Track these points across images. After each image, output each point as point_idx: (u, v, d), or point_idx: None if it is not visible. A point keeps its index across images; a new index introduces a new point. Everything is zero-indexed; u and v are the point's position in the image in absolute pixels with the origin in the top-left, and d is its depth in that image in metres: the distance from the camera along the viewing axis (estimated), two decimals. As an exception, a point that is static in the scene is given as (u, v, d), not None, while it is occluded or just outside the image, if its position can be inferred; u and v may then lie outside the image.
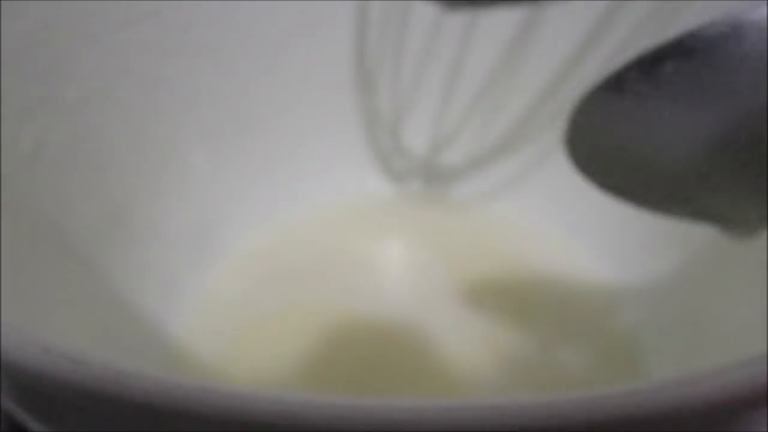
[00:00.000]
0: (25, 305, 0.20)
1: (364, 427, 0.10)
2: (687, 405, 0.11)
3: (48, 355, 0.11)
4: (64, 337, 0.22)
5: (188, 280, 0.31)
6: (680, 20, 0.27)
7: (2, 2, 0.22)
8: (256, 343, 0.30)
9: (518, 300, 0.31)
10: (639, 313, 0.30)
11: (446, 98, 0.34)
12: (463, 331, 0.30)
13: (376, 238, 0.34)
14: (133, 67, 0.27)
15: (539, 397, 0.10)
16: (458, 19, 0.32)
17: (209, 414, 0.10)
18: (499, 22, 0.31)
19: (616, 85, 0.14)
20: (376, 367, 0.28)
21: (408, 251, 0.34)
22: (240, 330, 0.30)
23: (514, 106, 0.33)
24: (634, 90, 0.14)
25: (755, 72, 0.13)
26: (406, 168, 0.36)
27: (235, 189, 0.33)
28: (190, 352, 0.29)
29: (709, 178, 0.14)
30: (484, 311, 0.31)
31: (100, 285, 0.26)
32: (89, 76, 0.26)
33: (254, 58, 0.31)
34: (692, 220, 0.15)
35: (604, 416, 0.10)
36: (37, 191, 0.23)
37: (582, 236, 0.33)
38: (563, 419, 0.10)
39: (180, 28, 0.29)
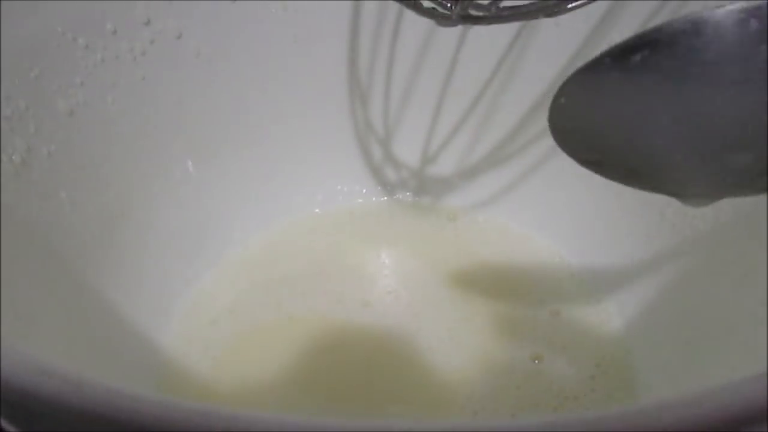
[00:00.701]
0: (17, 317, 0.20)
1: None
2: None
3: (51, 379, 0.11)
4: (56, 347, 0.22)
5: (180, 289, 0.32)
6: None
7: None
8: (247, 351, 0.30)
9: (509, 309, 0.31)
10: (630, 323, 0.30)
11: (436, 112, 0.35)
12: (453, 340, 0.30)
13: (367, 247, 0.34)
14: (124, 78, 0.28)
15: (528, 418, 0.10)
16: (448, 34, 0.32)
17: None
18: (489, 38, 0.32)
19: (593, 71, 0.16)
20: (365, 377, 0.28)
21: (398, 260, 0.34)
22: (232, 338, 0.30)
23: (503, 120, 0.34)
24: (609, 76, 0.16)
25: (710, 62, 0.14)
26: (398, 179, 0.36)
27: (227, 199, 0.33)
28: (182, 361, 0.29)
29: (671, 155, 0.16)
30: (474, 321, 0.31)
31: (92, 295, 0.26)
32: (79, 87, 0.26)
33: (247, 71, 0.32)
34: (655, 191, 0.17)
35: None
36: (27, 202, 0.23)
37: (570, 246, 0.33)
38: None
39: (171, 39, 0.29)
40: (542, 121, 0.32)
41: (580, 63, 0.30)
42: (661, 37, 0.15)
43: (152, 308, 0.30)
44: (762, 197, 0.24)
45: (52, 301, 0.23)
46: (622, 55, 0.15)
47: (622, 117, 0.16)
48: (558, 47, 0.31)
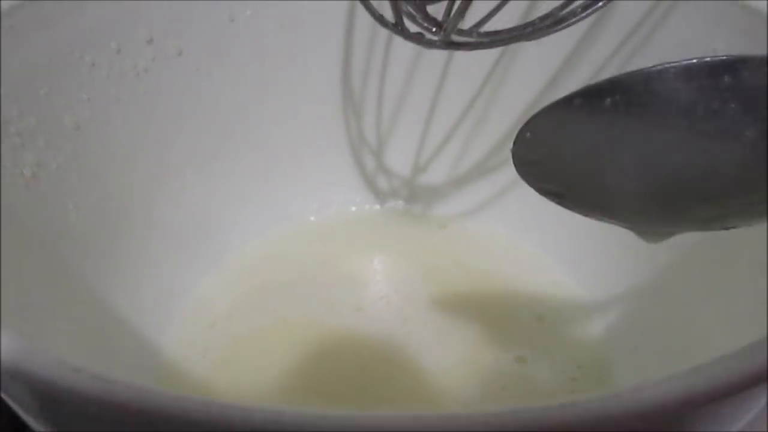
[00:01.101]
0: (24, 320, 0.21)
1: None
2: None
3: (78, 374, 0.12)
4: (61, 348, 0.23)
5: (180, 294, 0.33)
6: (638, 57, 0.29)
7: (3, 36, 0.23)
8: (244, 354, 0.31)
9: (495, 314, 0.32)
10: (611, 327, 0.31)
11: (427, 123, 0.36)
12: (441, 344, 0.31)
13: (360, 253, 0.36)
14: (127, 93, 0.29)
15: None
16: (438, 50, 0.33)
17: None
18: (477, 53, 0.33)
19: (561, 108, 0.17)
20: (357, 378, 0.30)
21: (390, 267, 0.35)
22: (230, 341, 0.31)
23: (491, 131, 0.35)
24: (576, 114, 0.17)
25: (675, 112, 0.15)
26: (390, 188, 0.38)
27: (225, 207, 0.35)
28: (181, 363, 0.30)
29: (630, 194, 0.17)
30: (462, 325, 0.32)
31: (95, 299, 0.28)
32: (86, 103, 0.27)
33: (244, 85, 0.33)
34: (614, 224, 0.18)
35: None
36: (36, 212, 0.25)
37: (556, 253, 0.34)
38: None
39: (172, 56, 0.30)
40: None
41: (563, 77, 0.32)
42: (632, 83, 0.16)
43: (153, 312, 0.31)
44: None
45: (58, 304, 0.25)
46: (592, 96, 0.16)
47: (585, 154, 0.17)
48: (542, 63, 0.32)
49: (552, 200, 0.18)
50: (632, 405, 0.12)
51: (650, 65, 0.16)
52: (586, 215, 0.18)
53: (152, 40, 0.29)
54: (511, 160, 0.34)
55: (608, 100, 0.16)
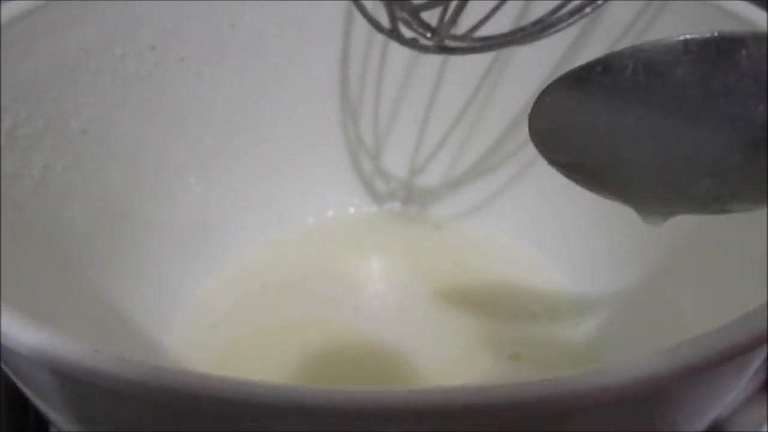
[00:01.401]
0: (34, 317, 0.22)
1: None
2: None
3: (98, 355, 0.13)
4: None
5: (182, 295, 0.33)
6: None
7: (12, 43, 0.24)
8: (244, 354, 0.31)
9: (490, 313, 0.33)
10: (604, 324, 0.32)
11: (423, 126, 0.37)
12: (438, 342, 0.32)
13: (358, 254, 0.36)
14: (131, 98, 0.30)
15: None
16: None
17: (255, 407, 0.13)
18: (472, 56, 0.34)
19: (580, 77, 0.17)
20: (355, 376, 0.30)
21: (387, 267, 0.36)
22: (230, 341, 0.32)
23: (486, 133, 0.36)
24: (594, 84, 0.17)
25: (684, 90, 0.16)
26: (387, 189, 0.39)
27: (226, 209, 0.35)
28: (183, 363, 0.31)
29: (636, 169, 0.17)
30: (458, 323, 0.33)
31: (99, 298, 0.28)
32: (91, 108, 0.28)
33: (244, 90, 0.34)
34: (618, 200, 0.18)
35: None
36: (44, 214, 0.26)
37: (549, 253, 0.35)
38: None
39: (175, 62, 0.31)
40: (523, 133, 0.34)
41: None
42: (654, 56, 0.16)
43: (154, 313, 0.31)
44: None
45: (63, 303, 0.25)
46: (611, 67, 0.17)
47: (598, 126, 0.17)
48: (535, 66, 0.33)
49: (561, 172, 0.18)
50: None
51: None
52: (593, 190, 0.18)
53: (155, 46, 0.30)
54: (506, 160, 0.36)
55: (629, 70, 0.16)
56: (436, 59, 0.35)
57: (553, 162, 0.18)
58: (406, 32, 0.23)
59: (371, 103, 0.36)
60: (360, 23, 0.33)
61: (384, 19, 0.23)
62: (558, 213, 0.34)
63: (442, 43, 0.21)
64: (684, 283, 0.28)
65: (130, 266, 0.31)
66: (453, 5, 0.19)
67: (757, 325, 0.14)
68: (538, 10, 0.25)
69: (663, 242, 0.30)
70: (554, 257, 0.35)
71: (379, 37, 0.34)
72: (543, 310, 0.33)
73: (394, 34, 0.22)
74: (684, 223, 0.29)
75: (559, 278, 0.34)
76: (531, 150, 0.36)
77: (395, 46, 0.34)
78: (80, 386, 0.14)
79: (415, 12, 0.21)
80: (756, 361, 0.16)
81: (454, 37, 0.22)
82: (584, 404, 0.13)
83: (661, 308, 0.29)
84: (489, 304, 0.33)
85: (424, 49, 0.22)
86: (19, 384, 0.18)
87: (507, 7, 0.27)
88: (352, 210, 0.39)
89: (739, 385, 0.17)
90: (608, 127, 0.17)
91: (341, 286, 0.34)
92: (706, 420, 0.18)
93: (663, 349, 0.13)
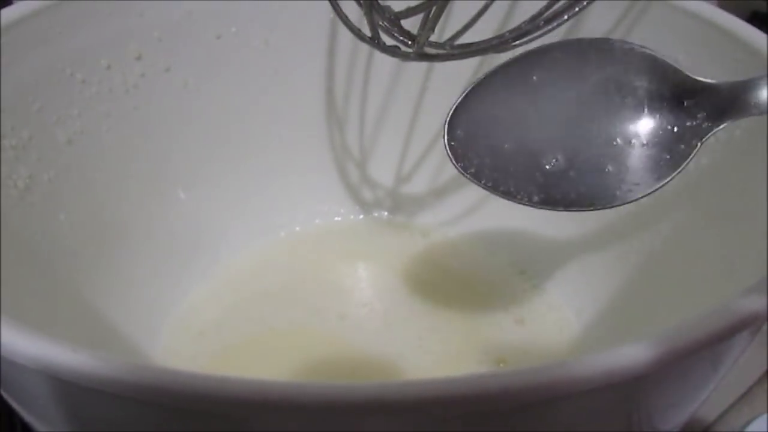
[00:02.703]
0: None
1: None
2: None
3: (77, 354, 0.13)
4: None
5: (170, 304, 0.34)
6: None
7: None
8: (232, 361, 0.32)
9: (476, 319, 0.33)
10: (587, 328, 0.32)
11: (408, 135, 0.37)
12: (424, 349, 0.32)
13: (345, 262, 0.37)
14: (117, 109, 0.30)
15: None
16: (417, 64, 0.34)
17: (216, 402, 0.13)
18: (455, 66, 0.34)
19: (485, 84, 0.19)
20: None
21: (374, 274, 0.36)
22: (218, 349, 0.32)
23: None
24: (495, 89, 0.19)
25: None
26: (373, 198, 0.39)
27: (214, 219, 0.36)
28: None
29: (522, 172, 0.19)
30: (443, 330, 0.33)
31: (87, 308, 0.29)
32: (77, 118, 0.28)
33: (231, 100, 0.34)
34: (554, 208, 0.19)
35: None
36: (29, 224, 0.26)
37: (534, 259, 0.36)
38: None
39: (161, 72, 0.31)
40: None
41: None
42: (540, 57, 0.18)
43: (142, 322, 0.32)
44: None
45: (49, 312, 0.25)
46: (506, 70, 0.19)
47: (511, 130, 0.19)
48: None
49: (474, 182, 0.20)
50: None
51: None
52: (497, 194, 0.19)
53: (141, 57, 0.30)
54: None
55: (527, 70, 0.18)
56: (420, 69, 0.35)
57: (465, 169, 0.20)
58: (388, 40, 0.23)
59: (357, 112, 0.37)
60: (345, 34, 0.33)
61: (366, 28, 0.24)
62: (542, 220, 0.35)
63: (422, 50, 0.21)
64: (663, 286, 0.29)
65: (118, 276, 0.31)
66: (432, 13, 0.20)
67: (725, 318, 0.14)
68: (522, 18, 0.25)
69: (643, 248, 0.30)
70: (538, 263, 0.35)
71: (364, 48, 0.34)
72: (528, 316, 0.33)
73: (374, 41, 0.23)
74: (662, 229, 0.29)
75: (542, 284, 0.35)
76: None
77: (380, 56, 0.34)
78: (61, 385, 0.14)
79: (395, 20, 0.21)
80: (727, 357, 0.17)
81: (434, 45, 0.22)
82: (546, 396, 0.13)
83: (643, 312, 0.29)
84: (474, 311, 0.34)
85: (405, 56, 0.22)
86: (3, 393, 0.18)
87: (490, 15, 0.28)
88: (339, 219, 0.39)
89: (713, 381, 0.17)
90: (497, 130, 0.19)
91: (328, 294, 0.35)
92: (680, 415, 0.18)
93: (627, 343, 0.14)
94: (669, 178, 0.18)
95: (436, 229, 0.38)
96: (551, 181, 0.18)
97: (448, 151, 0.20)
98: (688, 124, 0.18)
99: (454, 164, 0.20)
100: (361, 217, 0.39)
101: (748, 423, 0.26)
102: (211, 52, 0.32)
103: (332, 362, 0.32)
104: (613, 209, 0.31)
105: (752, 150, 0.25)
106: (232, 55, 0.33)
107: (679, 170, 0.18)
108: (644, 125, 0.18)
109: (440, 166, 0.37)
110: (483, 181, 0.20)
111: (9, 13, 0.25)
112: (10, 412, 0.21)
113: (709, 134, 0.18)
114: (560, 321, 0.33)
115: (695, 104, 0.18)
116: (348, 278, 0.36)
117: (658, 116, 0.18)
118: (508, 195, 0.19)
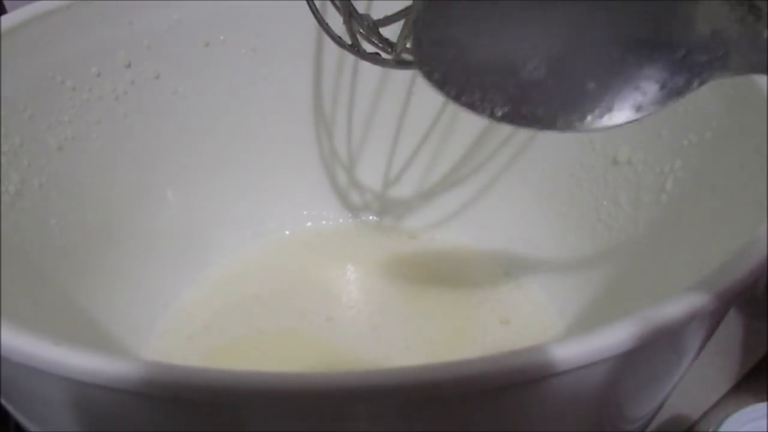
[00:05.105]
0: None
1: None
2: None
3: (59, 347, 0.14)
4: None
5: (160, 308, 0.34)
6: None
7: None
8: (221, 364, 0.31)
9: (462, 319, 0.34)
10: (571, 328, 0.33)
11: (395, 139, 0.38)
12: (410, 350, 0.32)
13: (333, 265, 0.37)
14: (107, 116, 0.31)
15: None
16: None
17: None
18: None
19: None
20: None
21: (362, 277, 0.37)
22: (207, 352, 0.33)
23: (457, 144, 0.37)
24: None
25: None
26: (362, 201, 0.39)
27: (203, 223, 0.36)
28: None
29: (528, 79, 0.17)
30: (430, 331, 0.33)
31: (78, 311, 0.29)
32: (68, 125, 0.29)
33: (220, 107, 0.35)
34: (515, 123, 0.17)
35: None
36: (21, 229, 0.26)
37: (519, 261, 0.36)
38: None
39: (150, 80, 0.32)
40: (491, 145, 0.36)
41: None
42: None
43: (133, 324, 0.32)
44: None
45: (39, 315, 0.26)
46: None
47: (482, 37, 0.17)
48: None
49: (437, 89, 0.17)
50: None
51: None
52: (488, 115, 0.17)
53: (131, 65, 0.31)
54: (476, 171, 0.36)
55: None
56: (405, 75, 0.36)
57: (428, 75, 0.17)
58: (369, 48, 0.24)
59: (344, 117, 0.37)
60: (331, 42, 0.34)
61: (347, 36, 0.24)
62: (525, 222, 0.35)
63: (400, 57, 0.22)
64: (644, 286, 0.29)
65: (109, 280, 0.31)
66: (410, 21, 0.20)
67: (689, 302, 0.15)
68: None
69: (626, 247, 0.31)
70: (524, 263, 0.36)
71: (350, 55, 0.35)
72: (513, 316, 0.34)
73: (355, 49, 0.23)
74: (641, 227, 0.30)
75: (528, 285, 0.35)
76: (501, 161, 0.37)
77: (366, 64, 0.35)
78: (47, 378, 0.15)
79: (374, 27, 0.22)
80: (690, 343, 0.17)
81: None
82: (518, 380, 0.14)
83: (625, 312, 0.30)
84: (460, 311, 0.34)
85: (384, 63, 0.23)
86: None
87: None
88: (327, 222, 0.39)
89: (678, 367, 0.18)
90: (486, 36, 0.17)
91: (317, 297, 0.35)
92: (647, 403, 0.19)
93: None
94: (648, 113, 0.16)
95: (423, 231, 0.39)
96: (523, 93, 0.16)
97: (415, 54, 0.18)
98: (699, 58, 0.16)
99: (419, 68, 0.17)
100: (350, 220, 0.40)
101: (724, 420, 0.27)
102: (199, 59, 0.33)
103: (319, 364, 0.32)
104: (597, 211, 0.32)
105: (725, 152, 0.25)
106: (220, 62, 0.34)
107: (662, 107, 0.16)
108: (649, 45, 0.16)
109: (428, 169, 0.38)
110: (446, 89, 0.17)
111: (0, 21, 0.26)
112: (4, 413, 0.22)
113: (715, 78, 0.16)
114: (545, 321, 0.33)
115: (715, 41, 0.15)
116: (336, 281, 0.36)
117: (671, 36, 0.16)
118: (470, 106, 0.17)
